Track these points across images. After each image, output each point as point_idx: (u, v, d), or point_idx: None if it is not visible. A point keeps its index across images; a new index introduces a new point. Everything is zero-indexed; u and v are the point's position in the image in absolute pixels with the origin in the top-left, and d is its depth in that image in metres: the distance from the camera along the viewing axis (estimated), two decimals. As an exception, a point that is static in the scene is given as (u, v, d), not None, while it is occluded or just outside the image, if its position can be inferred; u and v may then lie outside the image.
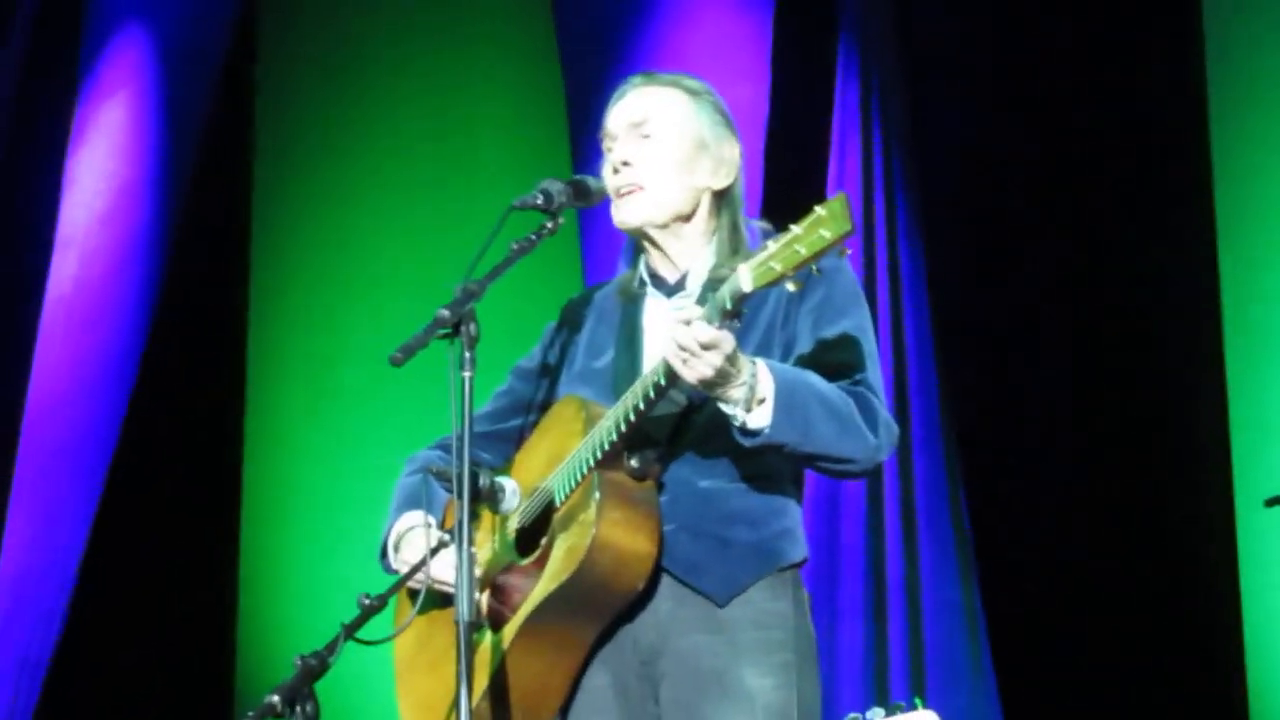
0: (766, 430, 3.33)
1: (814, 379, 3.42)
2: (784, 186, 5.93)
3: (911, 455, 5.77)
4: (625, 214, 3.66)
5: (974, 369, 5.85)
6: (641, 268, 3.74)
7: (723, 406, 3.35)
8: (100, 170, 7.41)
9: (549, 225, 3.58)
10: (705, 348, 3.23)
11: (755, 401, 3.32)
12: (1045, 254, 5.88)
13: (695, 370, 3.25)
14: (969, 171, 5.99)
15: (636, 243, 3.75)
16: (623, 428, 3.42)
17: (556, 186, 3.60)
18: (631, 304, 3.73)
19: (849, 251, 3.26)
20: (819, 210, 3.13)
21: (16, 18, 7.27)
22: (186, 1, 7.36)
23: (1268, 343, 5.52)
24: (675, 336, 3.25)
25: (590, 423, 3.52)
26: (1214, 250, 5.61)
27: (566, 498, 3.52)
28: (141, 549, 7.23)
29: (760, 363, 3.34)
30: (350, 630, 3.31)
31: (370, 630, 3.40)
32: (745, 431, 3.35)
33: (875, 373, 3.55)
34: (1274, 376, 5.50)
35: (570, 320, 3.85)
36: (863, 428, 3.45)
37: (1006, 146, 5.97)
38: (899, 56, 5.98)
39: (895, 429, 3.53)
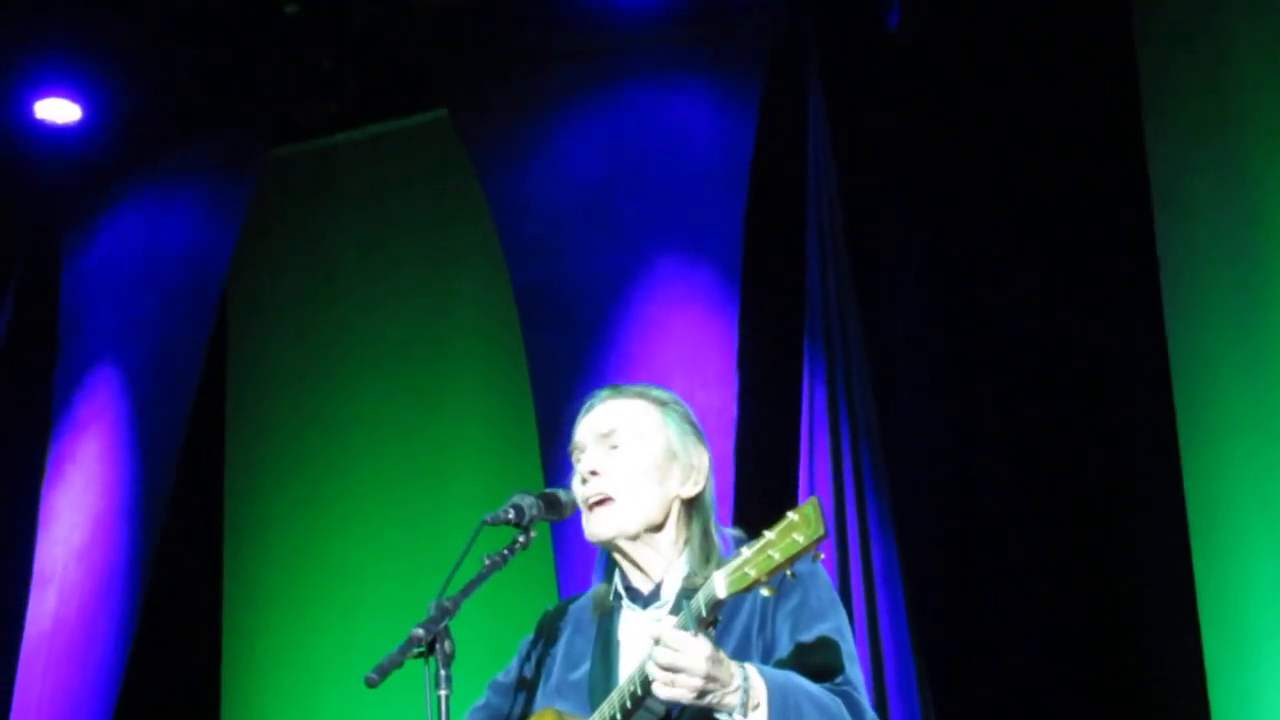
0: None
1: (803, 681, 3.40)
2: (755, 490, 5.95)
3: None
4: (596, 526, 3.67)
5: (953, 668, 5.82)
6: (616, 580, 3.73)
7: (719, 717, 3.31)
8: (77, 505, 7.41)
9: (521, 540, 3.59)
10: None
11: (751, 707, 3.29)
12: (1020, 551, 5.90)
13: (680, 688, 3.22)
14: (939, 469, 6.02)
15: (610, 555, 3.75)
16: (600, 740, 3.40)
17: (528, 500, 3.61)
18: (607, 616, 3.71)
19: (822, 555, 3.24)
20: (792, 515, 3.15)
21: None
22: (158, 335, 7.43)
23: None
24: (654, 655, 3.24)
25: (569, 735, 3.49)
26: (1186, 537, 5.64)
27: (544, 812, 3.48)
28: None
29: (750, 667, 3.32)
30: None
31: None
32: None
33: (856, 671, 3.54)
34: (1250, 653, 5.50)
35: (546, 633, 3.83)
36: (851, 725, 3.43)
37: (976, 443, 6.02)
38: (866, 357, 6.04)
39: (880, 728, 3.52)
